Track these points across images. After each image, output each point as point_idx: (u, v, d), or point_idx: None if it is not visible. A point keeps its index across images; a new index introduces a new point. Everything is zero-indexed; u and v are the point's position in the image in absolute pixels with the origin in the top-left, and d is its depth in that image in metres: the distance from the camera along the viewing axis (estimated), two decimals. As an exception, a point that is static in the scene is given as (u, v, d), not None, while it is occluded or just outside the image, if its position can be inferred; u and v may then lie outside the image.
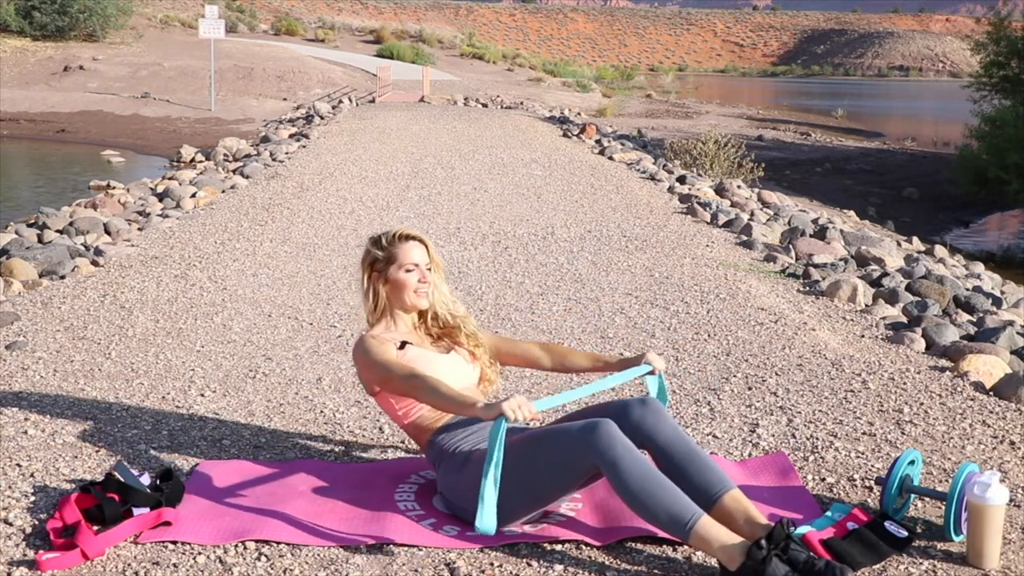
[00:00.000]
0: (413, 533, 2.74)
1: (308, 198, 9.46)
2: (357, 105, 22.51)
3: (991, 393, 4.08)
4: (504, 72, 37.03)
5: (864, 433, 3.59)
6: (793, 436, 3.56)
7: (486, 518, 2.54)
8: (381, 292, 3.11)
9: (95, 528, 2.68)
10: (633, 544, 2.71)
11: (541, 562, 2.62)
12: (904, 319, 5.43)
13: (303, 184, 10.40)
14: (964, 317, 5.68)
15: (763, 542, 2.38)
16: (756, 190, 11.83)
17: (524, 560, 2.63)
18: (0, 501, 2.92)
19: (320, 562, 2.62)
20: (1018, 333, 5.09)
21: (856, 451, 3.42)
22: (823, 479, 3.19)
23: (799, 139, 25.38)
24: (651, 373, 3.03)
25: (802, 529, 2.67)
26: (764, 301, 5.66)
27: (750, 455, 3.40)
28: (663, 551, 2.68)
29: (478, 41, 48.89)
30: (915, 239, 11.20)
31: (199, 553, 2.64)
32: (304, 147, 14.19)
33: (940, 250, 9.83)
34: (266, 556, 2.64)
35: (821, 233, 8.38)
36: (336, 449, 3.48)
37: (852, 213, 13.74)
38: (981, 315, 5.65)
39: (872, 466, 3.29)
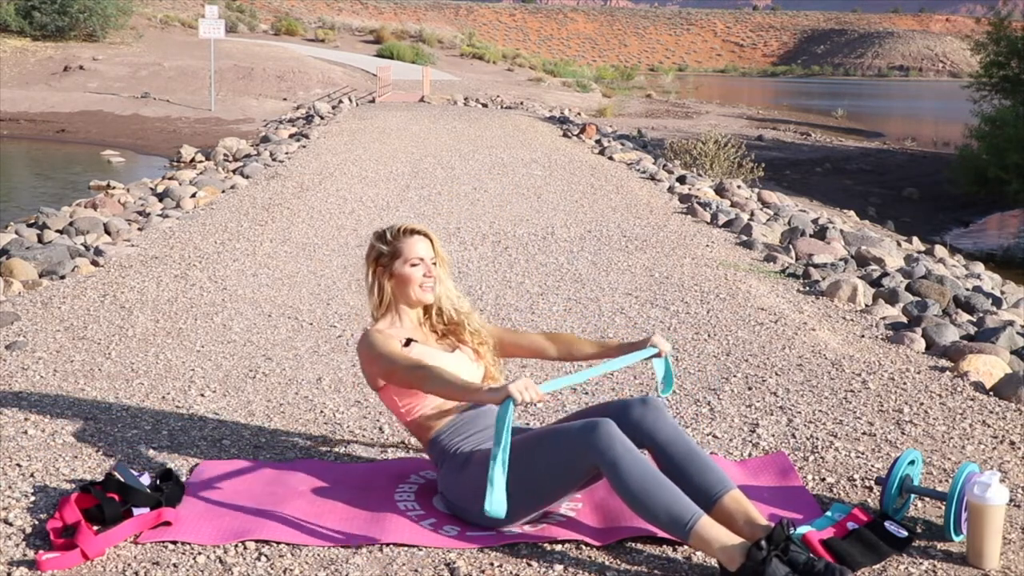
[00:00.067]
0: (413, 533, 2.74)
1: (308, 198, 9.45)
2: (357, 105, 22.51)
3: (991, 393, 4.08)
4: (504, 72, 37.03)
5: (864, 433, 3.59)
6: (793, 436, 3.56)
7: (495, 501, 2.49)
8: (386, 287, 3.08)
9: (95, 528, 2.68)
10: (633, 544, 2.71)
11: (541, 562, 2.62)
12: (904, 319, 5.43)
13: (303, 184, 10.40)
14: (964, 317, 5.68)
15: (763, 543, 2.38)
16: (756, 190, 11.83)
17: (524, 560, 2.63)
18: (0, 501, 2.92)
19: (320, 562, 2.62)
20: (1018, 333, 5.09)
21: (856, 451, 3.42)
22: (823, 479, 3.19)
23: (799, 139, 25.37)
24: (657, 356, 3.01)
25: (802, 529, 2.67)
26: (764, 301, 5.66)
27: (750, 455, 3.40)
28: (663, 551, 2.68)
29: (478, 41, 48.89)
30: (915, 239, 11.20)
31: (199, 553, 2.64)
32: (304, 147, 14.19)
33: (940, 250, 9.83)
34: (266, 556, 2.64)
35: (821, 233, 8.38)
36: (336, 449, 3.48)
37: (852, 213, 13.73)
38: (981, 315, 5.65)
39: (872, 466, 3.29)
